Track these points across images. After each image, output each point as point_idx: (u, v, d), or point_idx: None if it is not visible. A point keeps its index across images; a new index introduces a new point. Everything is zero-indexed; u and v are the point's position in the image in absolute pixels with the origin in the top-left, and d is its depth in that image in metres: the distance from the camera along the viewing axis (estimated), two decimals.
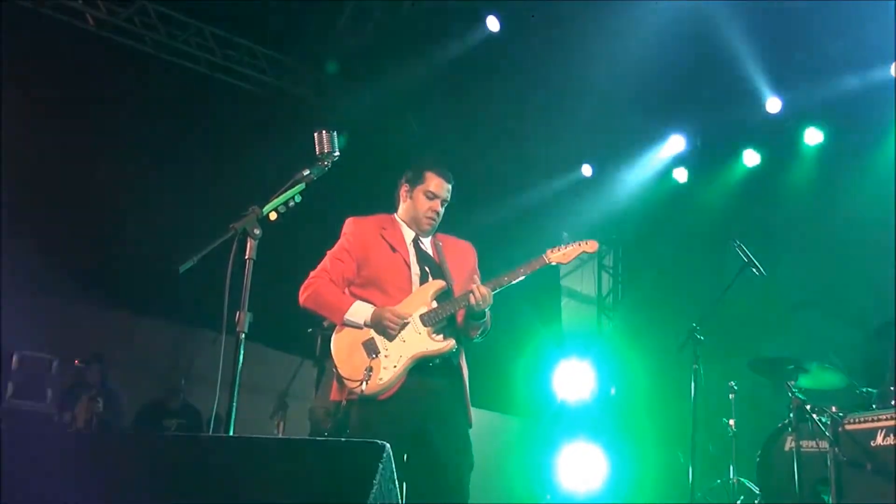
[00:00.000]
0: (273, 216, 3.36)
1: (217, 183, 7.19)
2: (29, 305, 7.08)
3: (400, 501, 2.60)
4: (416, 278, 4.09)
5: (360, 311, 3.98)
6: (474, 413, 4.12)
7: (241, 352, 3.06)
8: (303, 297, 4.02)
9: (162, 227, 7.17)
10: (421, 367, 3.97)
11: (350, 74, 8.43)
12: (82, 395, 7.17)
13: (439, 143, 8.94)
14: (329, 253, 4.13)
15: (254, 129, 7.81)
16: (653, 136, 9.03)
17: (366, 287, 4.07)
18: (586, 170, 9.54)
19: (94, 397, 7.17)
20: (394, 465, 2.61)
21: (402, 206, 4.26)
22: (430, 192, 4.12)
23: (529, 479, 9.29)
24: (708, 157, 8.98)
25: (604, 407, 9.80)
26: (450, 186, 4.17)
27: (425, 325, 3.97)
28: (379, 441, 2.63)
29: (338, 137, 3.46)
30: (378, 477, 2.53)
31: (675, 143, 9.12)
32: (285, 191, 3.36)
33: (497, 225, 8.57)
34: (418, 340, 3.96)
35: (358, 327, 3.96)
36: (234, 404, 3.06)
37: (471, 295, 3.92)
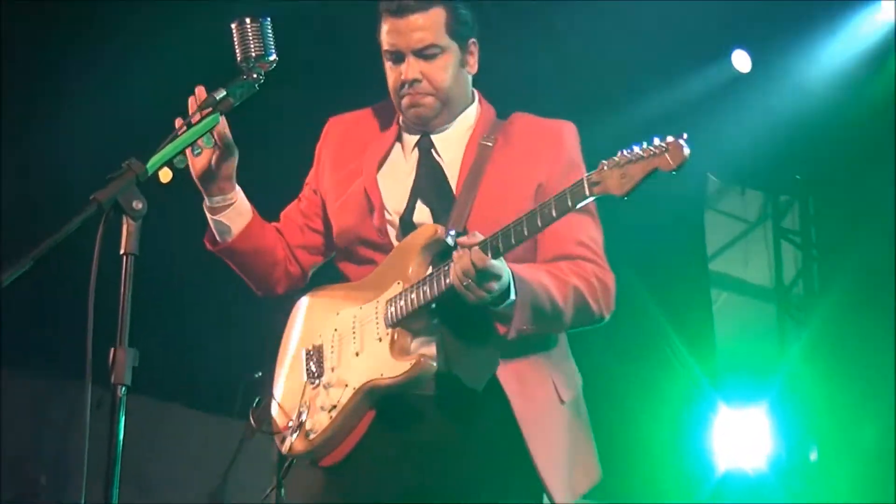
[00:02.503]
0: (165, 176, 3.17)
1: (83, 126, 6.70)
2: None
3: None
4: (392, 225, 3.65)
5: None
6: None
7: (122, 418, 2.75)
8: None
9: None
10: (395, 402, 3.46)
11: None
12: None
13: (490, 31, 8.01)
14: None
15: (140, 31, 6.85)
16: None
17: (339, 254, 3.80)
18: (740, 60, 8.23)
19: None
20: None
21: None
22: (388, 51, 3.63)
23: None
24: None
25: (795, 481, 8.83)
26: (423, 19, 3.56)
27: (389, 325, 3.45)
28: None
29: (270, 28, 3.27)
30: None
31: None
32: (184, 130, 3.25)
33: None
34: (374, 356, 3.46)
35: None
36: None
37: (451, 267, 3.30)
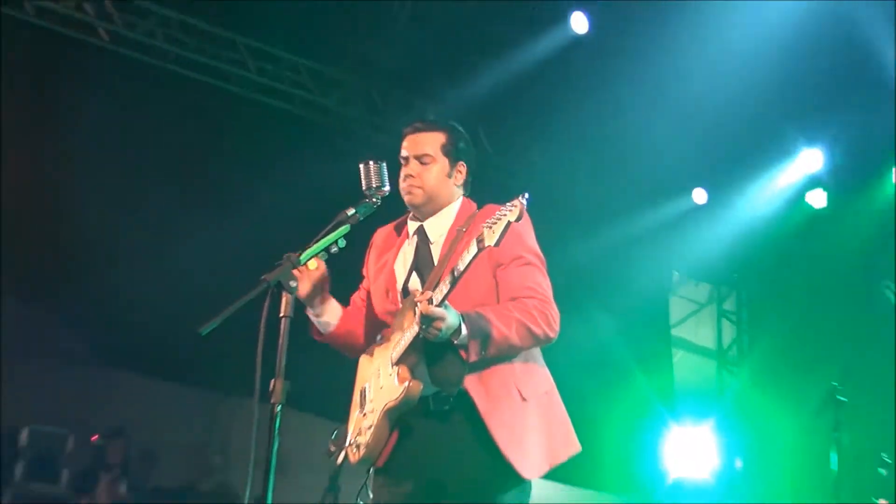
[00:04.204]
0: (312, 265, 3.60)
1: (252, 227, 7.36)
2: (38, 372, 7.45)
3: None
4: (399, 293, 3.97)
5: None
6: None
7: (277, 427, 3.18)
8: None
9: (188, 280, 7.38)
10: (408, 420, 3.78)
11: (409, 86, 8.75)
12: (102, 477, 7.62)
13: (519, 167, 9.28)
14: None
15: (296, 159, 7.96)
16: (780, 152, 9.21)
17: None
18: (699, 195, 9.82)
19: (116, 479, 7.63)
20: None
21: None
22: (402, 156, 3.98)
23: None
24: (851, 175, 9.12)
25: (728, 486, 10.06)
26: (428, 137, 3.96)
27: (394, 363, 3.77)
28: None
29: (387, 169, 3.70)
30: None
31: (810, 160, 9.30)
32: (326, 234, 3.56)
33: (592, 264, 8.97)
34: (388, 387, 3.77)
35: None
36: (270, 490, 3.17)
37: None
